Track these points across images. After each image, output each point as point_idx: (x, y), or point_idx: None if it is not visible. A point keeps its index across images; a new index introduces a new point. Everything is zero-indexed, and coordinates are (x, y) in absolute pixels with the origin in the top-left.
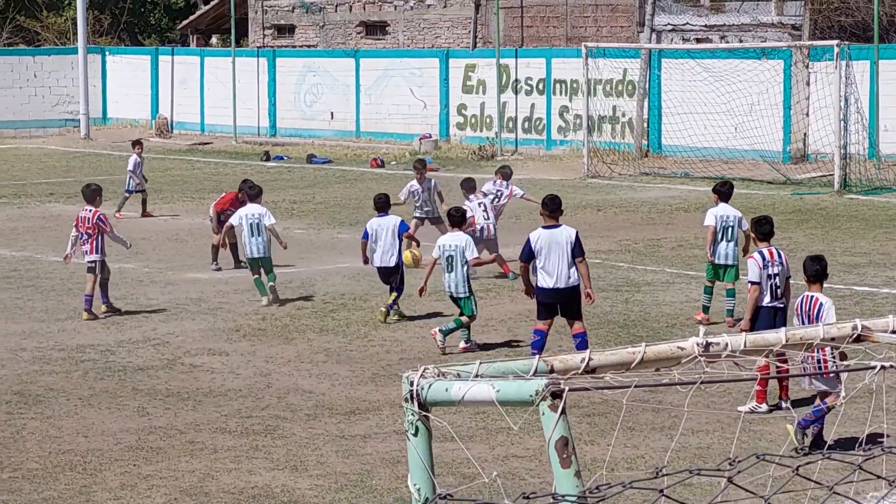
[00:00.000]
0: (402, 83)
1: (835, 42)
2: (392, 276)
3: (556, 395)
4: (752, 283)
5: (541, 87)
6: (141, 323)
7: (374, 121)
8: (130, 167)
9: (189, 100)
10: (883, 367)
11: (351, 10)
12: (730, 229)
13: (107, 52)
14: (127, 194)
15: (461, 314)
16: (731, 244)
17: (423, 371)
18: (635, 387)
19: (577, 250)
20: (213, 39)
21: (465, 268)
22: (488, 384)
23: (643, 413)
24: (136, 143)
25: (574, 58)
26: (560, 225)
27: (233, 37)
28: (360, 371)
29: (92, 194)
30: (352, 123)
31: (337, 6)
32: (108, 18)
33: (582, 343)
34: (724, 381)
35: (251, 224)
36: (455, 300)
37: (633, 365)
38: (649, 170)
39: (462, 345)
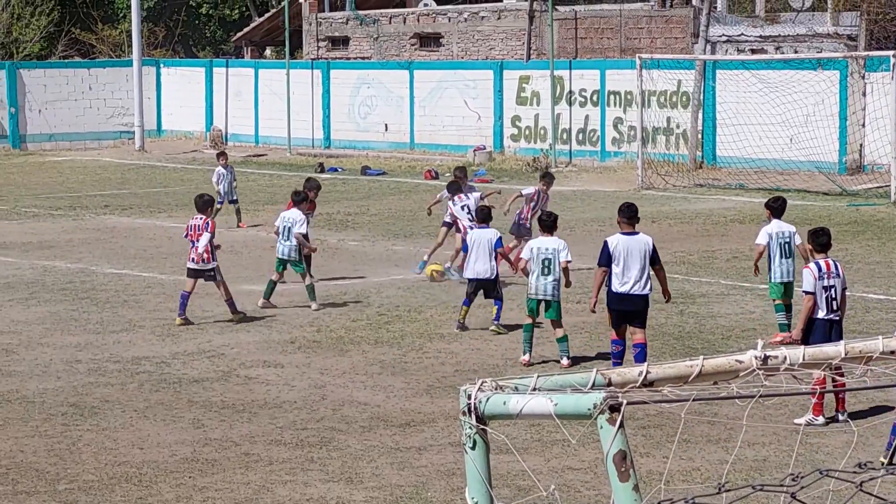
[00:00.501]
0: (456, 95)
1: (891, 53)
2: (489, 290)
3: (615, 409)
4: (807, 293)
5: (595, 98)
6: (196, 335)
7: (429, 132)
8: (214, 179)
9: (243, 112)
10: None
11: (405, 22)
12: (786, 245)
13: (161, 65)
14: (219, 206)
15: (532, 322)
16: (789, 260)
17: (481, 384)
18: (693, 400)
19: (655, 258)
20: (268, 51)
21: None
22: (546, 397)
23: (698, 425)
24: (221, 155)
25: (628, 69)
26: (638, 232)
27: (287, 49)
28: (414, 383)
29: (204, 204)
30: (406, 135)
31: (391, 18)
32: (163, 31)
33: (641, 353)
34: (782, 394)
35: (285, 227)
36: (546, 303)
37: (692, 378)
38: (704, 181)
39: (564, 362)
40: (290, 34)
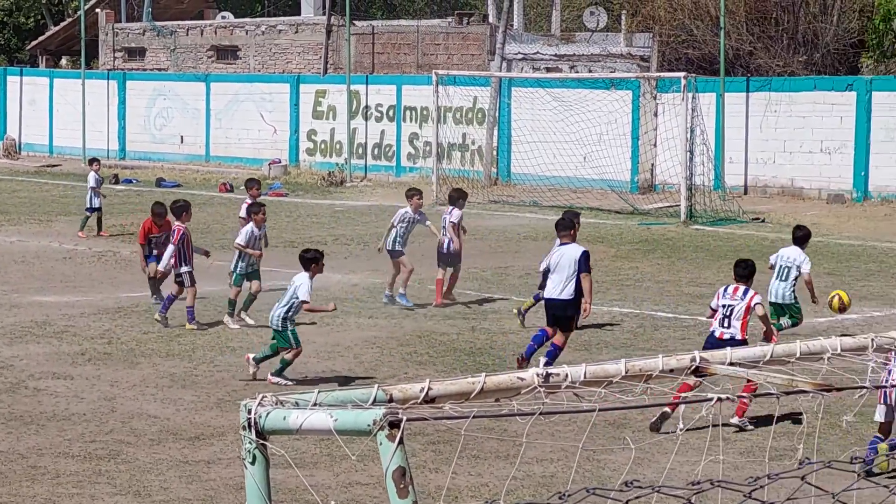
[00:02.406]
0: (253, 108)
1: (682, 74)
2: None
3: (394, 425)
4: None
5: (391, 113)
6: None
7: (224, 145)
8: (92, 184)
9: (38, 121)
10: (720, 399)
11: (202, 34)
12: (785, 270)
13: None
14: (88, 213)
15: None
16: (784, 284)
17: (261, 399)
18: (474, 417)
19: (582, 267)
20: (63, 61)
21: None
22: (326, 413)
23: (488, 441)
24: (94, 161)
25: (425, 85)
26: (570, 243)
27: (83, 58)
28: (205, 396)
29: (178, 210)
30: (202, 148)
31: (188, 30)
32: None
33: (550, 353)
34: (563, 412)
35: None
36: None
37: (473, 395)
38: (498, 198)
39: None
40: (86, 44)
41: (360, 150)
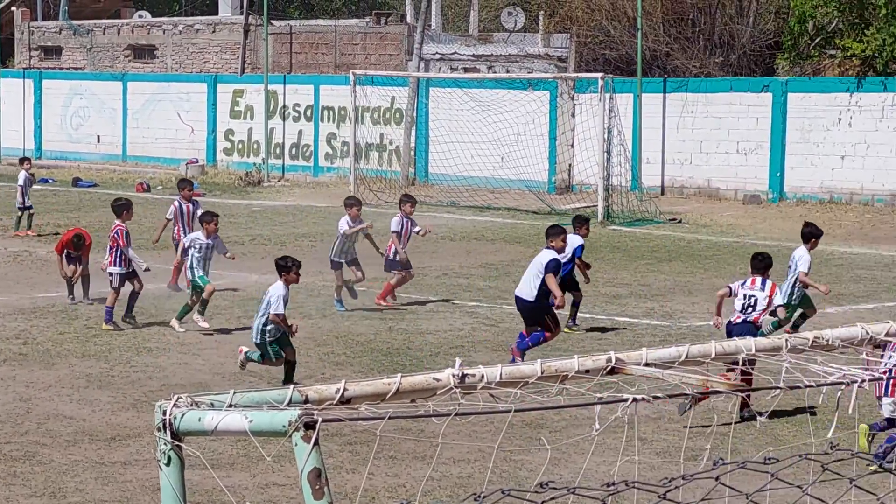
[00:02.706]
0: (170, 108)
1: (599, 75)
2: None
3: (310, 426)
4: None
5: (308, 113)
6: None
7: (141, 145)
8: (21, 182)
9: None
10: (635, 400)
11: (119, 34)
12: (788, 268)
13: None
14: (20, 212)
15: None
16: (786, 282)
17: (177, 400)
18: (389, 418)
19: (547, 268)
20: None
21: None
22: (241, 414)
23: (405, 442)
24: (25, 160)
25: (342, 85)
26: (545, 249)
27: None
28: (121, 397)
29: (119, 209)
30: (118, 147)
31: (105, 29)
32: None
33: (519, 342)
34: (478, 412)
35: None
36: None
37: (389, 396)
38: (416, 198)
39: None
40: (1, 42)
41: (278, 150)
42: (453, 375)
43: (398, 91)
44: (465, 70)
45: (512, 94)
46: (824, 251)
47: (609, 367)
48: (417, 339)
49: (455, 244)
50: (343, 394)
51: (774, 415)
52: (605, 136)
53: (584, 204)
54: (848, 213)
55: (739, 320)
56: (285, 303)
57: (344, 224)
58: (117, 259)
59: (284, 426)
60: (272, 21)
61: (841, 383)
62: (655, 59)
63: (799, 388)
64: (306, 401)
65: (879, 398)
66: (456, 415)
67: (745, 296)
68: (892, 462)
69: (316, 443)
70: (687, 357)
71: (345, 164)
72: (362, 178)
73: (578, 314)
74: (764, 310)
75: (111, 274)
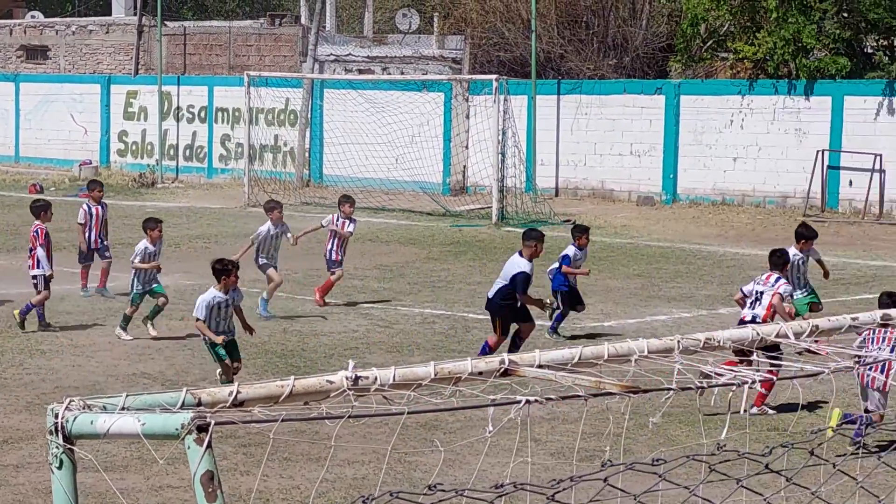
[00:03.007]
0: (63, 109)
1: (494, 76)
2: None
3: (202, 429)
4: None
5: (203, 114)
6: None
7: (34, 146)
8: None
9: None
10: (528, 402)
11: (11, 34)
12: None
13: None
14: None
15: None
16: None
17: (69, 403)
18: (282, 421)
19: (517, 287)
20: None
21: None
22: (134, 417)
23: (299, 444)
24: None
25: (236, 86)
26: (516, 255)
27: None
28: (13, 399)
29: (36, 210)
30: (11, 148)
31: None
32: None
33: (481, 349)
34: (371, 415)
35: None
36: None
37: (282, 398)
38: (310, 199)
39: None
40: None
41: (172, 152)
42: (346, 378)
43: (292, 92)
44: (360, 71)
45: (406, 95)
46: (716, 252)
47: (502, 369)
48: (312, 340)
49: (349, 245)
50: (236, 396)
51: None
52: (500, 137)
53: (478, 205)
54: (740, 214)
55: (748, 318)
56: (210, 309)
57: (266, 229)
58: (41, 261)
59: (177, 429)
60: (166, 22)
61: (732, 384)
62: (549, 61)
63: (690, 389)
64: (199, 403)
65: (867, 387)
66: (349, 417)
67: (754, 291)
68: (861, 437)
69: (208, 446)
70: (580, 359)
71: (239, 165)
72: (256, 180)
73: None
74: (769, 306)
75: (35, 276)
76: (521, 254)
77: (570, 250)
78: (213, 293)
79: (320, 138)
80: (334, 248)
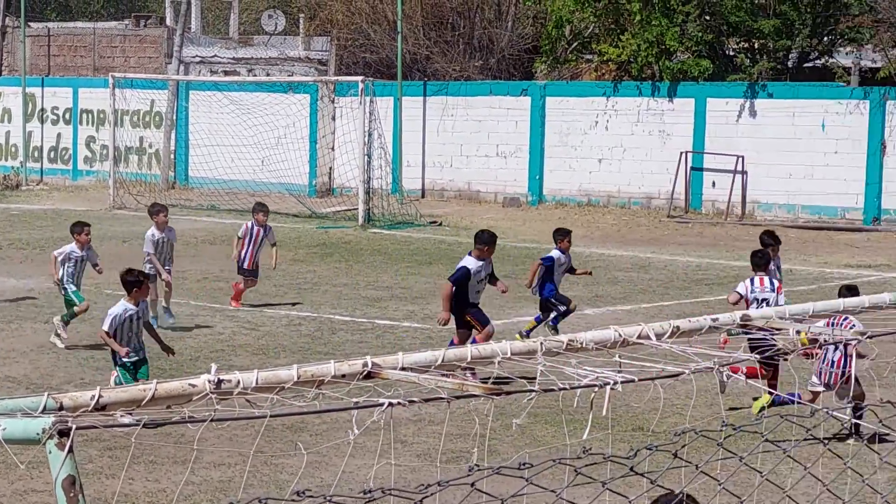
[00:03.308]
0: None
1: (360, 78)
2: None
3: (64, 434)
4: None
5: (67, 116)
6: None
7: None
8: None
9: None
10: (391, 405)
11: None
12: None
13: None
14: None
15: None
16: None
17: None
18: (143, 426)
19: (452, 276)
20: None
21: None
22: None
23: (165, 447)
24: None
25: (101, 88)
26: (471, 255)
27: None
28: None
29: None
30: None
31: None
32: None
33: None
34: (234, 419)
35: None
36: None
37: (145, 402)
38: (176, 201)
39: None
40: None
41: (36, 154)
42: (209, 381)
43: (158, 94)
44: (226, 73)
45: (272, 97)
46: (583, 253)
47: (365, 372)
48: (177, 343)
49: (215, 248)
50: (98, 401)
51: (533, 416)
52: (366, 139)
53: (344, 207)
54: (605, 215)
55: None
56: (122, 322)
57: (151, 234)
58: None
59: (38, 434)
60: (29, 23)
61: (594, 385)
62: (416, 62)
63: (553, 390)
64: (61, 408)
65: (823, 383)
66: (211, 420)
67: (757, 300)
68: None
69: (70, 450)
70: (443, 361)
71: (104, 167)
72: (122, 182)
73: (534, 331)
74: None
75: None
76: (470, 253)
77: (555, 254)
78: (124, 305)
79: (186, 140)
80: (248, 256)
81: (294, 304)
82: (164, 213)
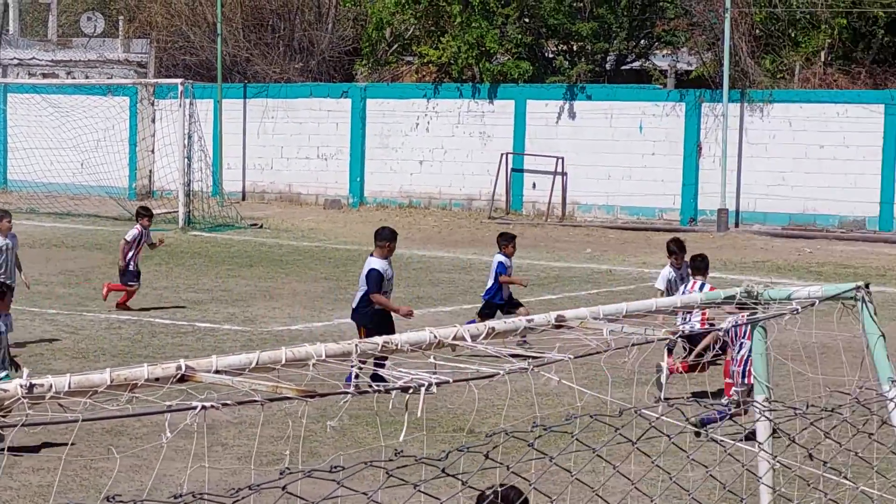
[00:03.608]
0: None
1: (179, 80)
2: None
3: None
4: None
5: None
6: None
7: None
8: None
9: None
10: (204, 408)
11: None
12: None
13: None
14: None
15: None
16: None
17: None
18: None
19: (368, 284)
20: None
21: None
22: None
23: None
24: None
25: None
26: (373, 257)
27: None
28: None
29: None
30: None
31: None
32: None
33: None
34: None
35: None
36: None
37: None
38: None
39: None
40: None
41: None
42: (21, 386)
43: None
44: (44, 76)
45: (91, 99)
46: (404, 255)
47: (179, 375)
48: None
49: (35, 251)
50: None
51: (352, 417)
52: (186, 141)
53: (164, 210)
54: (427, 217)
55: (686, 330)
56: None
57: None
58: None
59: None
60: None
61: (409, 387)
62: (236, 64)
63: (368, 392)
64: None
65: (732, 385)
66: (23, 425)
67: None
68: (709, 432)
69: None
70: (257, 364)
71: None
72: None
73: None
74: (703, 313)
75: None
76: (373, 254)
77: (502, 258)
78: None
79: (4, 143)
80: (133, 259)
81: (114, 307)
82: (8, 218)
